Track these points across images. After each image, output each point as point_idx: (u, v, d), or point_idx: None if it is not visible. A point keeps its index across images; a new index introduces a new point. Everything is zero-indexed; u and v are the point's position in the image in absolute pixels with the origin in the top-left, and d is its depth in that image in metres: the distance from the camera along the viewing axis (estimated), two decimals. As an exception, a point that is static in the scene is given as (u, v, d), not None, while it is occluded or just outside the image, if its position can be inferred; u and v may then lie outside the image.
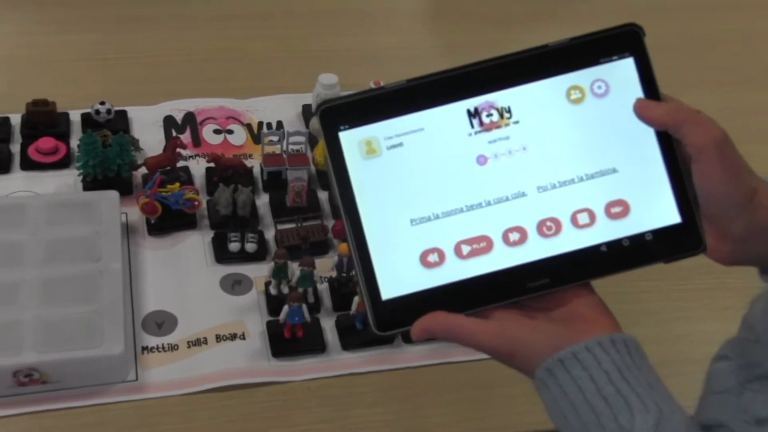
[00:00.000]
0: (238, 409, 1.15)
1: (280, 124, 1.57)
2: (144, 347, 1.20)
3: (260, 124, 1.57)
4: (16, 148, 1.45)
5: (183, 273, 1.30)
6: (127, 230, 1.34)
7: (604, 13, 1.92)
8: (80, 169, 1.37)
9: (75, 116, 1.51)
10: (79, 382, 1.13)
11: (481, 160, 0.79)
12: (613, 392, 0.71)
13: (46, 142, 1.43)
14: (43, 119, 1.46)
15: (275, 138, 1.46)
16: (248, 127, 1.56)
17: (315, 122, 1.51)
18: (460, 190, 0.79)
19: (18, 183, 1.40)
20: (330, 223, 1.38)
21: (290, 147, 1.45)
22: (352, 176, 0.78)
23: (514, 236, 0.79)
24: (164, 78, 1.65)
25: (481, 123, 0.79)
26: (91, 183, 1.37)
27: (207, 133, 1.53)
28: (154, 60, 1.69)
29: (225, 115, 1.58)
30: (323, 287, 1.30)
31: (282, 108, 1.61)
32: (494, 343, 0.76)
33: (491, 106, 0.80)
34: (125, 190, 1.37)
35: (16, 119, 1.49)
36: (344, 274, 1.28)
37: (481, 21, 1.90)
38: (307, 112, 1.58)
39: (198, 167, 1.46)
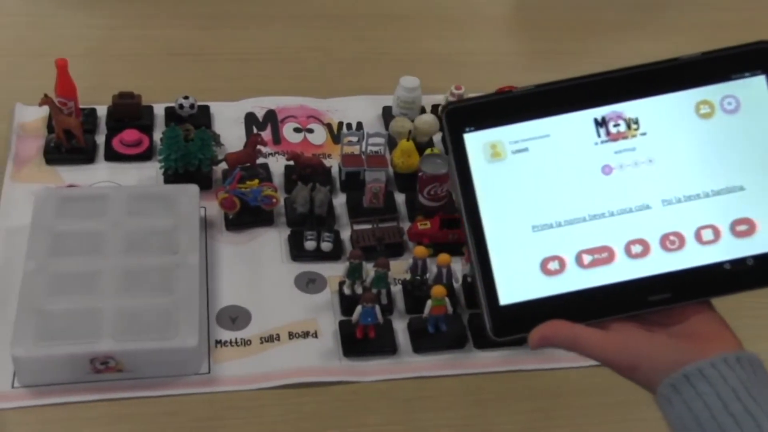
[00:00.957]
0: (309, 406, 1.15)
1: (360, 125, 1.57)
2: (217, 341, 1.21)
3: (340, 124, 1.58)
4: (101, 139, 1.47)
5: (258, 269, 1.31)
6: (205, 224, 1.36)
7: (690, 25, 1.89)
8: (162, 162, 1.39)
9: (159, 110, 1.53)
10: (153, 372, 1.15)
11: (606, 169, 0.79)
12: (741, 410, 0.70)
13: (130, 135, 1.45)
14: (128, 112, 1.49)
15: (354, 138, 1.46)
16: (328, 126, 1.57)
17: (394, 124, 1.51)
18: (584, 199, 0.79)
19: (102, 173, 1.42)
20: (406, 225, 1.37)
21: (369, 148, 1.46)
22: (475, 179, 0.78)
23: (636, 248, 0.78)
24: (247, 75, 1.67)
25: (608, 133, 0.79)
26: (172, 176, 1.39)
27: (287, 131, 1.54)
28: (238, 57, 1.71)
29: (305, 114, 1.58)
30: (397, 289, 1.30)
31: (362, 109, 1.61)
32: (615, 356, 0.75)
33: (619, 117, 0.79)
34: (205, 184, 1.39)
35: (102, 111, 1.51)
36: (418, 277, 1.27)
37: (564, 29, 1.88)
38: (387, 113, 1.58)
39: (277, 165, 1.46)
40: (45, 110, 1.45)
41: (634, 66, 0.79)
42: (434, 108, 1.57)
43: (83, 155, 1.43)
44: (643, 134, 0.79)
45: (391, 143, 1.49)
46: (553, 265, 0.78)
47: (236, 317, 1.24)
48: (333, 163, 1.47)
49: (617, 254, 0.78)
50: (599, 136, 0.79)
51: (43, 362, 1.11)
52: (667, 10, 1.95)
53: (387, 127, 1.55)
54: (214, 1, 1.84)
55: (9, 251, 1.28)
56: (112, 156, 1.45)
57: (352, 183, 1.44)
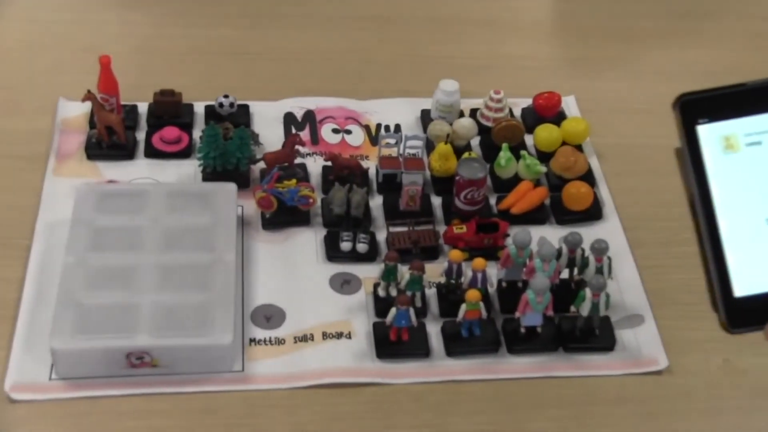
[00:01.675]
0: (341, 407, 1.16)
1: (398, 128, 1.58)
2: (251, 339, 1.22)
3: (378, 126, 1.58)
4: (141, 135, 1.49)
5: (294, 269, 1.31)
6: (242, 223, 1.37)
7: (730, 33, 1.87)
8: (201, 159, 1.40)
9: (199, 108, 1.54)
10: (187, 368, 1.16)
11: None
12: None
13: (170, 132, 1.47)
14: (169, 109, 1.50)
15: (392, 141, 1.47)
16: (366, 128, 1.57)
17: (433, 127, 1.51)
18: None
19: (141, 170, 1.44)
20: (441, 228, 1.37)
21: (407, 150, 1.46)
22: (708, 170, 0.77)
23: None
24: (287, 75, 1.68)
25: None
26: (210, 174, 1.40)
27: (325, 131, 1.55)
28: (278, 57, 1.71)
29: (344, 115, 1.59)
30: (431, 292, 1.30)
31: (401, 111, 1.61)
32: None
33: None
34: (243, 183, 1.40)
35: (143, 108, 1.53)
36: (453, 281, 1.27)
37: (603, 37, 1.86)
38: (425, 116, 1.58)
39: (315, 165, 1.47)
40: (87, 106, 1.46)
41: None
42: (473, 112, 1.57)
43: (123, 151, 1.45)
44: None
45: (429, 146, 1.49)
46: None
47: (271, 316, 1.25)
48: (370, 165, 1.48)
49: None
50: None
51: (80, 355, 1.13)
52: (705, 19, 1.93)
53: (425, 129, 1.55)
54: (256, 1, 1.85)
55: (49, 245, 1.29)
56: (151, 153, 1.46)
57: (389, 185, 1.44)
